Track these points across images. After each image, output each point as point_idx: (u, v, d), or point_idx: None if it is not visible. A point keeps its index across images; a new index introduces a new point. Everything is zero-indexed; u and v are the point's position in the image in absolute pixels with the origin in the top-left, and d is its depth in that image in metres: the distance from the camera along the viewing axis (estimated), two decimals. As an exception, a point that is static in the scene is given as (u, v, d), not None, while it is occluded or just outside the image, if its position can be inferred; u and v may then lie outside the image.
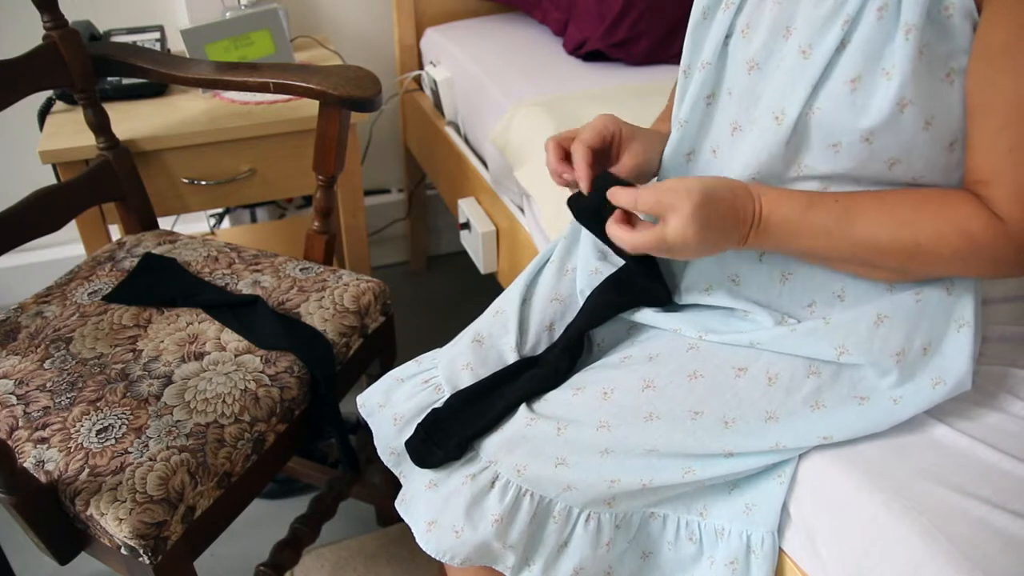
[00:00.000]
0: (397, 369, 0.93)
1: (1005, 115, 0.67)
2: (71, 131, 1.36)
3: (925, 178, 0.74)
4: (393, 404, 0.90)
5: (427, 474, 0.81)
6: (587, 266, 0.91)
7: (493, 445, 0.81)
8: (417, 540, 0.82)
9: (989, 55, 0.67)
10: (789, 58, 0.73)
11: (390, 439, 0.91)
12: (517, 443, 0.81)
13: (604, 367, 0.86)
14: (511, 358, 0.88)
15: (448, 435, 0.84)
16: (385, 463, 0.92)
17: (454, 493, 0.81)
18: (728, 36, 0.79)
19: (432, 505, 0.80)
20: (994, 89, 0.67)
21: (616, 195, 0.76)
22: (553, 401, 0.84)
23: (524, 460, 0.80)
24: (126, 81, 1.47)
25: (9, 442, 0.93)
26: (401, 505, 0.83)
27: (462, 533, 0.79)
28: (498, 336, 0.90)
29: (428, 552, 0.82)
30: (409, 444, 0.86)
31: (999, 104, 0.67)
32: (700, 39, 0.82)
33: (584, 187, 0.81)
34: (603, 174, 0.81)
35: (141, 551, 0.87)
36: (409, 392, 0.90)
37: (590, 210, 0.81)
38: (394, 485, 0.97)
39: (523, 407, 0.83)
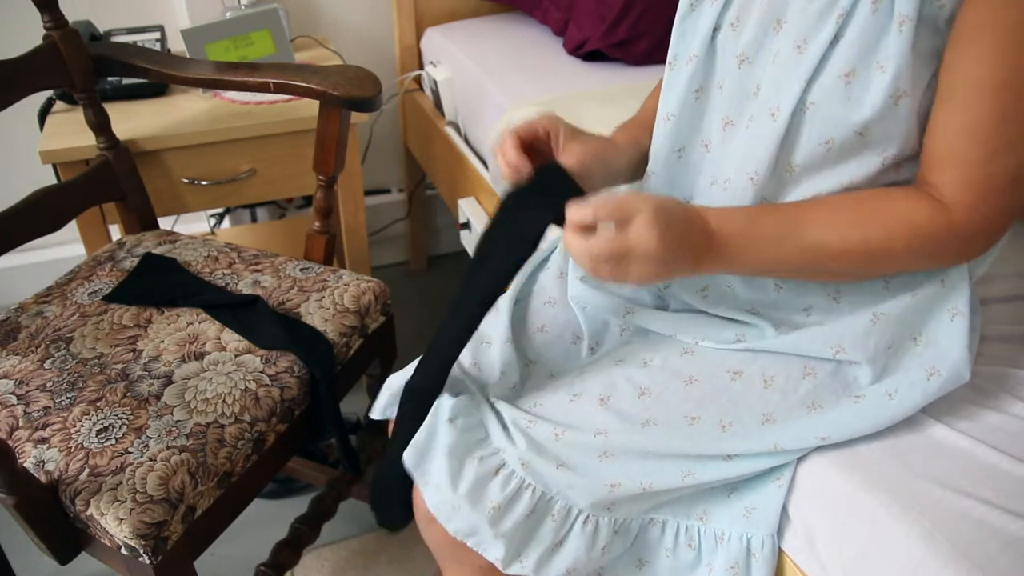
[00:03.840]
0: (398, 374, 0.93)
1: (963, 97, 0.67)
2: (71, 131, 1.36)
3: (915, 165, 0.74)
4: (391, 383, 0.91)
5: (446, 438, 0.80)
6: (577, 271, 0.91)
7: (499, 434, 0.81)
8: (421, 492, 0.82)
9: (956, 40, 0.67)
10: (783, 53, 0.73)
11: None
12: (520, 438, 0.81)
13: (599, 372, 0.86)
14: (502, 359, 0.89)
15: (390, 499, 0.90)
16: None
17: (465, 469, 0.80)
18: (717, 29, 0.79)
19: (444, 473, 0.80)
20: (956, 72, 0.67)
21: (573, 211, 0.69)
22: (550, 405, 0.84)
23: (528, 455, 0.80)
24: (126, 81, 1.47)
25: (9, 442, 0.93)
26: (412, 456, 0.81)
27: (460, 509, 0.80)
28: (494, 335, 0.90)
29: (428, 507, 0.81)
30: (372, 507, 0.94)
31: (958, 86, 0.67)
32: (687, 31, 0.82)
33: (511, 171, 0.78)
34: (550, 163, 0.76)
35: (141, 551, 0.87)
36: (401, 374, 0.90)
37: (529, 205, 0.75)
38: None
39: (521, 411, 0.83)
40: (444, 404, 0.82)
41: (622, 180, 0.90)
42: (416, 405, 0.84)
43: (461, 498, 0.79)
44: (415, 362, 0.88)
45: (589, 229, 0.68)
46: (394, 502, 0.92)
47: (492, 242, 0.77)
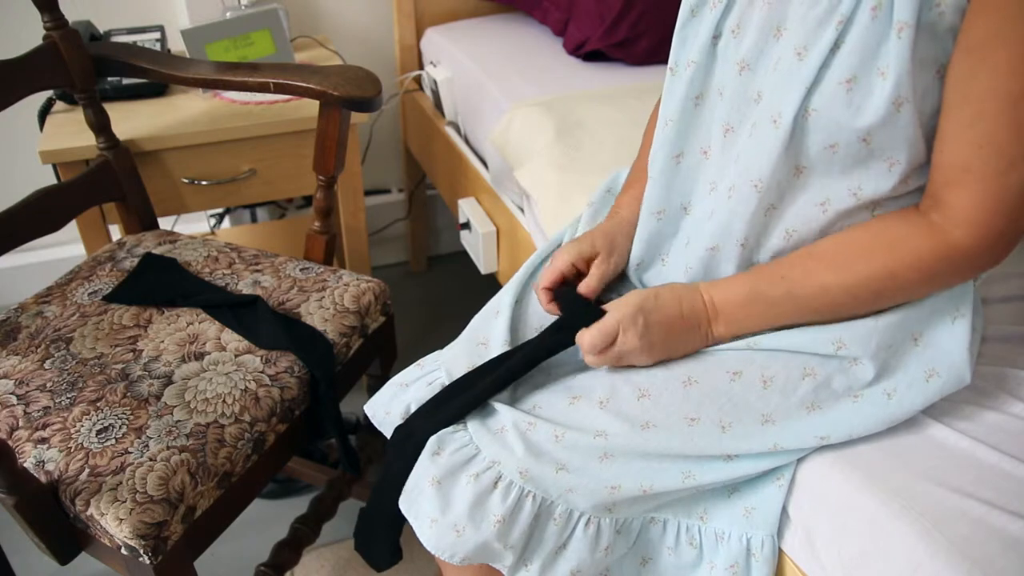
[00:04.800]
0: (400, 375, 0.93)
1: (977, 110, 0.66)
2: (71, 131, 1.36)
3: (923, 178, 0.74)
4: (400, 410, 0.90)
5: (432, 471, 0.81)
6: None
7: (494, 446, 0.81)
8: (418, 536, 0.82)
9: (969, 48, 0.66)
10: (784, 59, 0.73)
11: None
12: (518, 444, 0.81)
13: (598, 374, 0.86)
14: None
15: (377, 542, 0.91)
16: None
17: (457, 492, 0.81)
18: (717, 36, 0.79)
19: (435, 503, 0.80)
20: (970, 83, 0.67)
21: (580, 339, 0.83)
22: (550, 407, 0.84)
23: (526, 463, 0.80)
24: (126, 81, 1.47)
25: (9, 442, 0.93)
26: (404, 501, 0.84)
27: (464, 532, 0.79)
28: (491, 336, 0.90)
29: (428, 548, 0.82)
30: (357, 547, 0.95)
31: (973, 98, 0.67)
32: (687, 36, 0.82)
33: (545, 306, 0.90)
34: (565, 292, 0.89)
35: (141, 551, 0.87)
36: (414, 396, 0.90)
37: (556, 326, 0.87)
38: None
39: (520, 412, 0.83)
40: (431, 441, 0.83)
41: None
42: (412, 447, 0.84)
43: (462, 519, 0.79)
44: (402, 377, 0.92)
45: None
46: (381, 543, 0.91)
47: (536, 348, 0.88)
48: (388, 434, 0.91)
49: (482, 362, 0.89)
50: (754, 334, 0.82)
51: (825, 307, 0.77)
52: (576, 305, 0.87)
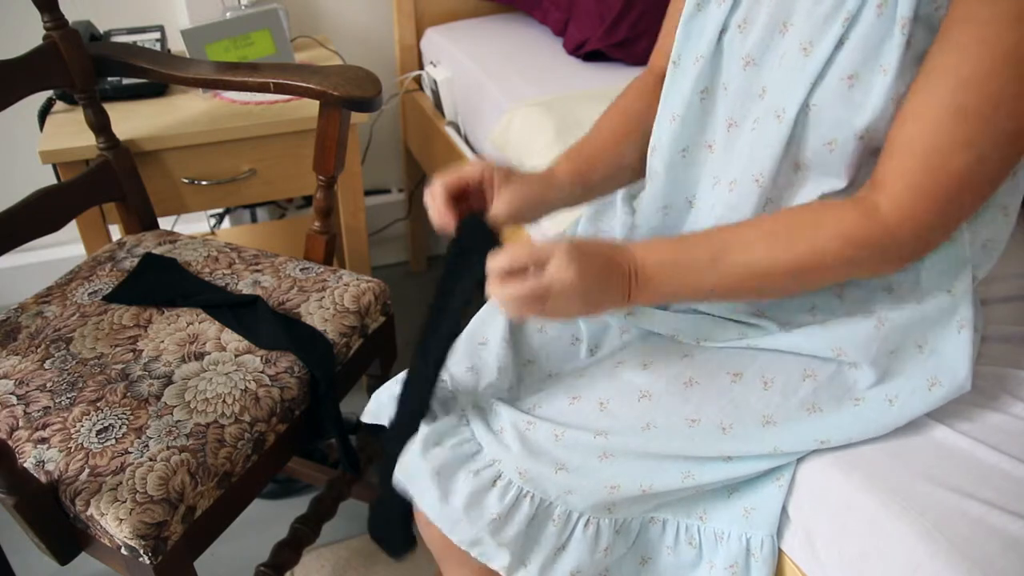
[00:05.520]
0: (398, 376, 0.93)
1: (930, 88, 0.66)
2: (71, 131, 1.36)
3: None
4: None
5: (431, 462, 0.80)
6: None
7: (494, 445, 0.81)
8: (420, 506, 0.82)
9: (940, 33, 0.66)
10: (790, 55, 0.73)
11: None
12: (516, 444, 0.81)
13: (599, 374, 0.86)
14: (499, 359, 0.89)
15: (391, 529, 0.91)
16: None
17: (455, 486, 0.80)
18: (724, 31, 0.79)
19: (434, 493, 0.80)
20: (931, 59, 0.66)
21: (492, 262, 0.72)
22: (549, 407, 0.84)
23: (525, 463, 0.80)
24: (126, 81, 1.47)
25: (9, 442, 0.93)
26: (404, 482, 0.82)
27: (459, 524, 0.80)
28: (491, 335, 0.90)
29: (429, 518, 0.81)
30: (372, 536, 0.96)
31: (929, 73, 0.66)
32: (692, 31, 0.82)
33: (440, 224, 0.80)
34: (469, 217, 0.80)
35: (141, 551, 0.87)
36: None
37: (454, 254, 0.79)
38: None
39: (520, 412, 0.83)
40: (424, 430, 0.82)
41: (561, 211, 0.90)
42: (401, 442, 0.84)
43: (458, 512, 0.79)
44: (395, 381, 0.91)
45: (512, 275, 0.71)
46: (395, 532, 0.92)
47: (442, 292, 0.81)
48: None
49: (480, 362, 0.89)
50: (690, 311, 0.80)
51: (750, 280, 0.73)
52: (481, 230, 0.78)
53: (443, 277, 0.80)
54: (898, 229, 0.68)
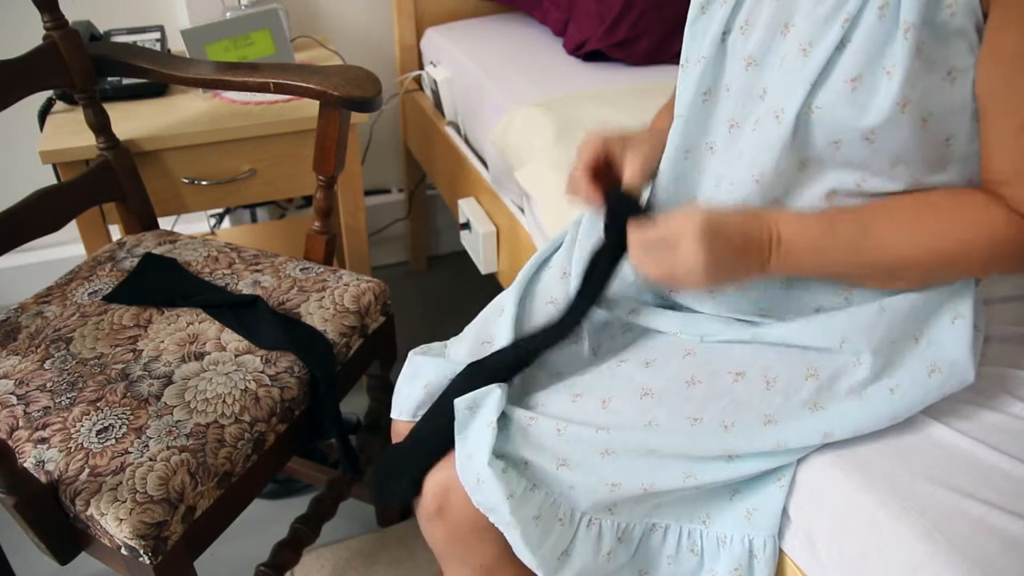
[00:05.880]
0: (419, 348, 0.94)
1: (1023, 117, 0.67)
2: (71, 131, 1.36)
3: (924, 175, 0.74)
4: (423, 375, 0.90)
5: (495, 412, 0.81)
6: (580, 271, 0.91)
7: (498, 439, 0.81)
8: (457, 444, 0.82)
9: (1003, 58, 0.67)
10: (790, 56, 0.73)
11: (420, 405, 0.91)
12: (518, 437, 0.81)
13: (601, 372, 0.86)
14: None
15: (401, 472, 0.87)
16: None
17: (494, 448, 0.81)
18: (727, 32, 0.79)
19: (482, 445, 0.80)
20: (1010, 91, 0.67)
21: (632, 235, 0.79)
22: (552, 405, 0.84)
23: (528, 455, 0.80)
24: (126, 81, 1.47)
25: (9, 442, 0.93)
26: (464, 404, 0.82)
27: (483, 484, 0.79)
28: (496, 335, 0.90)
29: (456, 467, 0.81)
30: (373, 483, 0.91)
31: (1017, 106, 0.67)
32: (697, 33, 0.82)
33: (596, 207, 0.86)
34: (611, 190, 0.84)
35: (141, 551, 0.87)
36: (437, 366, 0.90)
37: (612, 229, 0.84)
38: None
39: (522, 409, 0.83)
40: (502, 388, 0.83)
41: None
42: (481, 378, 0.84)
43: (487, 472, 0.78)
44: (439, 346, 0.93)
45: (649, 249, 0.77)
46: (406, 475, 0.88)
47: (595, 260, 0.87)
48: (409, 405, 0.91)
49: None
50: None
51: (884, 263, 0.74)
52: (625, 203, 0.83)
53: (600, 248, 0.86)
54: None
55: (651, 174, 0.87)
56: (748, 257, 0.75)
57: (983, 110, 0.70)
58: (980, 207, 0.72)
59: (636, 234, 0.78)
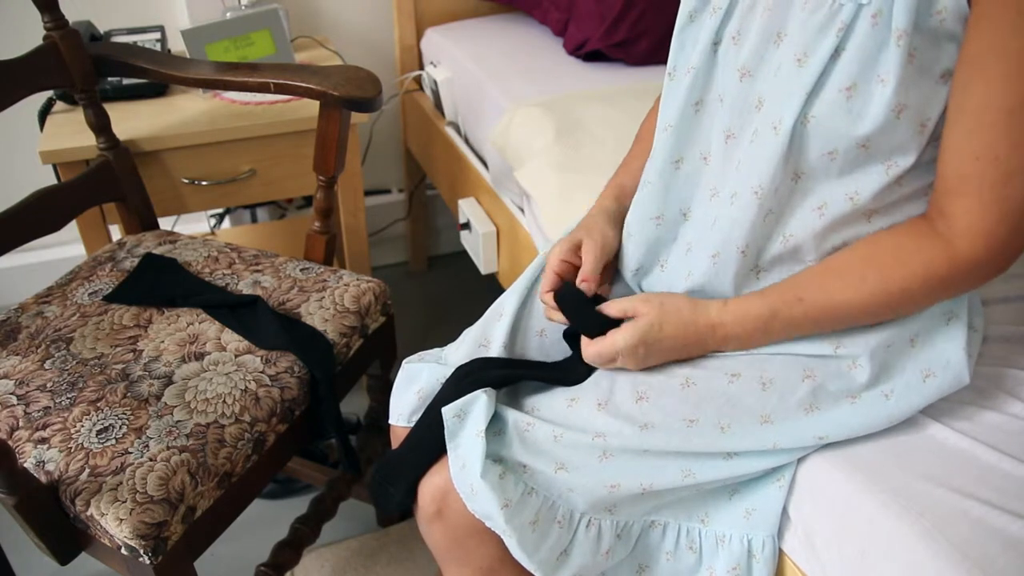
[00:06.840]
0: (413, 356, 0.94)
1: (975, 122, 0.67)
2: (71, 131, 1.36)
3: (922, 178, 0.74)
4: (417, 381, 0.91)
5: (484, 421, 0.81)
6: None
7: (494, 445, 0.81)
8: (449, 452, 0.83)
9: (965, 59, 0.67)
10: (785, 66, 0.73)
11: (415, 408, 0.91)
12: (516, 441, 0.81)
13: (597, 376, 0.86)
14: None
15: (398, 478, 0.88)
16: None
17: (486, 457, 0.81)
18: (717, 43, 0.79)
19: (474, 455, 0.80)
20: (966, 94, 0.67)
21: (584, 348, 0.85)
22: (548, 409, 0.84)
23: (526, 459, 0.80)
24: (126, 81, 1.47)
25: (9, 442, 0.93)
26: (452, 412, 0.83)
27: (477, 494, 0.79)
28: (493, 339, 0.91)
29: (451, 476, 0.82)
30: (371, 489, 0.93)
31: (969, 108, 0.67)
32: (686, 42, 0.82)
33: (549, 315, 0.90)
34: (561, 296, 0.88)
35: (141, 551, 0.87)
36: (431, 370, 0.90)
37: (569, 336, 0.91)
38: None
39: (519, 413, 0.83)
40: (489, 393, 0.83)
41: None
42: (469, 383, 0.84)
43: (480, 484, 0.78)
44: (433, 353, 0.93)
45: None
46: (402, 481, 0.89)
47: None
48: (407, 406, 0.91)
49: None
50: None
51: (840, 323, 0.77)
52: (577, 305, 0.87)
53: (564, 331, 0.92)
54: (978, 259, 0.70)
55: (608, 259, 0.91)
56: (688, 351, 0.82)
57: (948, 111, 0.69)
58: (914, 251, 0.73)
59: (584, 348, 0.85)
